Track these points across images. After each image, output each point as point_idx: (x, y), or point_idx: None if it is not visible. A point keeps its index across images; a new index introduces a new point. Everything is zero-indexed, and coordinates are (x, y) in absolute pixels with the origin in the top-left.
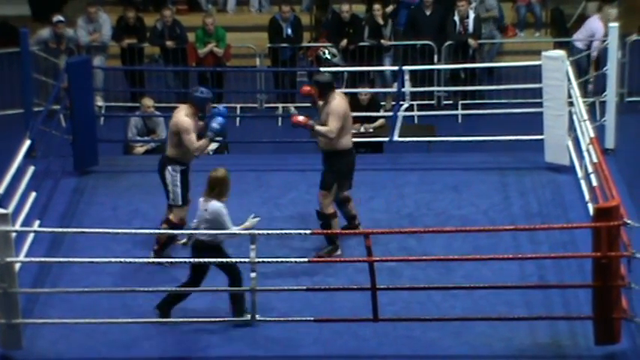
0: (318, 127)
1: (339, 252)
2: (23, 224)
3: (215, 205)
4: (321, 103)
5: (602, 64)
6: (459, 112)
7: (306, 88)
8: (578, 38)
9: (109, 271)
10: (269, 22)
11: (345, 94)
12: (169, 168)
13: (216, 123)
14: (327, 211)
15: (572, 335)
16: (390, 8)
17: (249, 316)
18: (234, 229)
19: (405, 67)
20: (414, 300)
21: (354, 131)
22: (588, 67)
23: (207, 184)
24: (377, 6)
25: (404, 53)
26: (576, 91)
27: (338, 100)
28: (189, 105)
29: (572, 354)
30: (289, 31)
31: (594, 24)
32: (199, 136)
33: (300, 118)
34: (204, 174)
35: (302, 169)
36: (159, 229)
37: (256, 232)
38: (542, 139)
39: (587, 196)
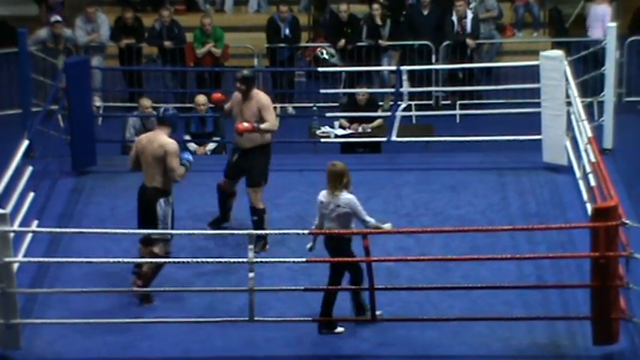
0: (263, 126)
1: (267, 247)
2: (21, 224)
3: (348, 196)
4: (230, 103)
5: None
6: (457, 112)
7: (218, 95)
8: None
9: (108, 271)
10: (267, 22)
11: (344, 94)
12: (161, 202)
13: (187, 154)
14: (261, 206)
15: (570, 335)
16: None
17: (368, 314)
18: (371, 220)
19: (403, 67)
20: (412, 300)
21: (352, 131)
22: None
23: (330, 179)
24: (376, 6)
25: (402, 53)
26: (574, 91)
27: (263, 94)
28: (165, 126)
29: (570, 354)
30: (287, 31)
31: (601, 9)
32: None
33: (245, 124)
34: (201, 174)
35: (300, 169)
36: (137, 272)
37: (254, 232)
38: (540, 139)
39: (585, 196)
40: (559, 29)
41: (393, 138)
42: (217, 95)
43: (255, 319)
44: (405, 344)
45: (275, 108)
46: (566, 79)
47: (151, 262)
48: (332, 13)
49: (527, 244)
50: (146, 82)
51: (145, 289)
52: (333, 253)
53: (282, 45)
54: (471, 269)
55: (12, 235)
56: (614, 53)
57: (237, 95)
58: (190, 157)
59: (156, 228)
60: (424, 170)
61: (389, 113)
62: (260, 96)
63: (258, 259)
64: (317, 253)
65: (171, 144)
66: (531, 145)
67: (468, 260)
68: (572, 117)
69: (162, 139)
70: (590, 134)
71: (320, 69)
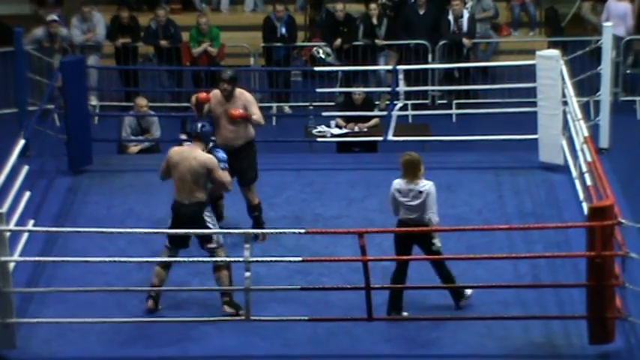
0: (255, 117)
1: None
2: (17, 224)
3: (429, 183)
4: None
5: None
6: (453, 111)
7: (204, 95)
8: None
9: (104, 270)
10: (263, 22)
11: (340, 93)
12: (207, 214)
13: (221, 153)
14: (257, 200)
15: (566, 334)
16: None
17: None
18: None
19: (399, 67)
20: (409, 299)
21: (348, 130)
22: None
23: (407, 168)
24: (373, 5)
25: (399, 53)
26: (570, 91)
27: (246, 91)
28: (200, 142)
29: (566, 353)
30: (283, 30)
31: (622, 6)
32: None
33: (239, 110)
34: None
35: (296, 169)
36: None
37: (250, 231)
38: (536, 139)
39: (581, 196)
40: (555, 29)
41: (389, 137)
42: (203, 95)
43: (252, 318)
44: (402, 343)
45: (271, 107)
46: (563, 79)
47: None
48: (328, 12)
49: (523, 244)
50: (142, 81)
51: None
52: (404, 237)
53: (278, 44)
54: (467, 268)
55: (8, 234)
56: (610, 53)
57: (216, 95)
58: (224, 155)
59: (211, 240)
60: None
61: (385, 112)
62: (245, 94)
63: (255, 259)
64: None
65: (210, 159)
66: (527, 145)
67: (464, 259)
68: (569, 116)
69: (200, 156)
70: (586, 134)
71: (316, 68)
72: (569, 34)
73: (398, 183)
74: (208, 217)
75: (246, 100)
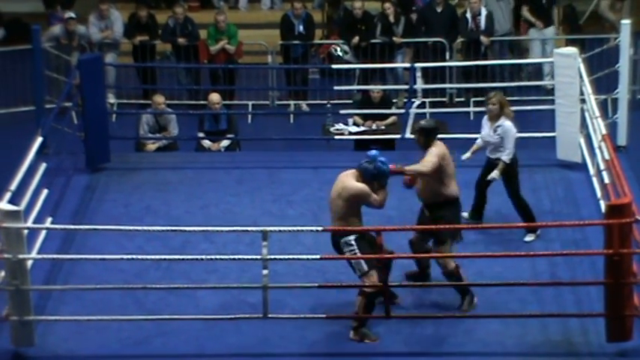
0: (412, 167)
1: (475, 299)
2: (35, 221)
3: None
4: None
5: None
6: (471, 109)
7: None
8: None
9: (121, 267)
10: (281, 19)
11: (358, 91)
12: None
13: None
14: (452, 266)
15: (584, 332)
16: None
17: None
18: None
19: (416, 65)
20: (426, 297)
21: (365, 128)
22: None
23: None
24: (387, 4)
25: (416, 50)
26: (588, 88)
27: (438, 144)
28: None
29: (584, 351)
30: (301, 28)
31: None
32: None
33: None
34: (215, 171)
35: (314, 167)
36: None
37: (268, 228)
38: (554, 136)
39: (599, 194)
40: (573, 26)
41: (407, 135)
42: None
43: (269, 316)
44: (419, 341)
45: (289, 105)
46: (580, 76)
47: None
48: (346, 10)
49: (541, 241)
50: (160, 79)
51: (358, 334)
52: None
53: (295, 42)
54: (485, 266)
55: (26, 232)
56: (628, 50)
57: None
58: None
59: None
60: None
61: (403, 110)
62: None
63: (273, 256)
64: (331, 250)
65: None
66: (545, 142)
67: (482, 257)
68: (586, 114)
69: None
70: (604, 131)
71: (334, 66)
72: (586, 31)
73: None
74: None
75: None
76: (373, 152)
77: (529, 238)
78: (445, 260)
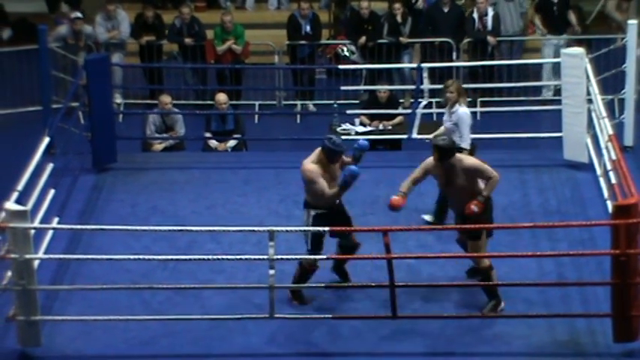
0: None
1: (502, 305)
2: (42, 221)
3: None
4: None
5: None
6: (478, 109)
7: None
8: None
9: (128, 267)
10: (287, 19)
11: (364, 91)
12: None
13: (348, 172)
14: (485, 264)
15: (590, 333)
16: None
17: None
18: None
19: (423, 65)
20: (433, 297)
21: (372, 128)
22: None
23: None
24: (397, 5)
25: (422, 50)
26: (595, 89)
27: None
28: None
29: (590, 351)
30: (308, 28)
31: None
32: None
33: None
34: (222, 171)
35: None
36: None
37: (275, 228)
38: (561, 137)
39: (605, 194)
40: (580, 26)
41: (414, 135)
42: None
43: (276, 316)
44: (425, 341)
45: (295, 105)
46: (587, 77)
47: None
48: (353, 10)
49: (547, 242)
50: (166, 79)
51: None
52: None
53: (302, 42)
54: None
55: (33, 232)
56: (635, 50)
57: None
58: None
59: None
60: None
61: (409, 110)
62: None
63: (279, 256)
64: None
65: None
66: (552, 143)
67: (488, 257)
68: (593, 114)
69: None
70: (610, 132)
71: (341, 66)
72: (593, 31)
73: None
74: None
75: (467, 165)
76: (361, 141)
77: (428, 217)
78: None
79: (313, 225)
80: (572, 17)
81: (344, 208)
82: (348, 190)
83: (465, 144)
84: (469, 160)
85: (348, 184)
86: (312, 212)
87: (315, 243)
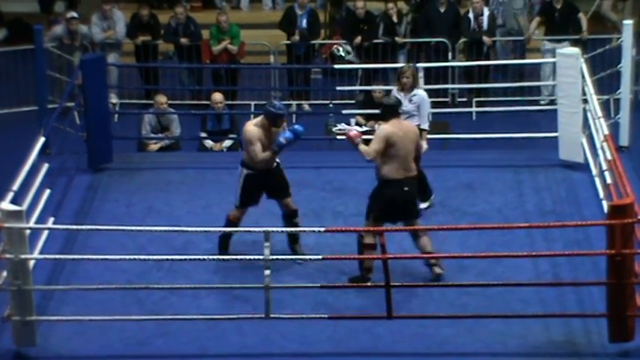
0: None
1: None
2: (37, 221)
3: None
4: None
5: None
6: (473, 109)
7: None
8: None
9: (123, 268)
10: (284, 12)
11: (360, 91)
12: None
13: (282, 136)
14: (367, 240)
15: (586, 333)
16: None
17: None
18: None
19: (419, 65)
20: (428, 297)
21: (368, 128)
22: None
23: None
24: (391, 5)
25: (418, 50)
26: (590, 89)
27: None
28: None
29: (586, 351)
30: (304, 22)
31: None
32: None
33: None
34: (217, 171)
35: (316, 167)
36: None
37: (270, 229)
38: (556, 137)
39: (601, 194)
40: (575, 26)
41: None
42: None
43: (271, 316)
44: (421, 341)
45: (291, 105)
46: (583, 77)
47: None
48: (348, 10)
49: (543, 242)
50: (162, 79)
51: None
52: None
53: (297, 39)
54: (487, 266)
55: (28, 232)
56: (631, 50)
57: None
58: (282, 140)
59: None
60: (440, 167)
61: None
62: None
63: (275, 257)
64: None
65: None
66: (547, 143)
67: (484, 257)
68: (589, 114)
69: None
70: (606, 132)
71: (336, 66)
72: (589, 31)
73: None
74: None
75: None
76: (296, 127)
77: (424, 205)
78: (365, 233)
79: (244, 184)
80: (584, 22)
81: (282, 173)
82: (280, 153)
83: (425, 125)
84: None
85: (280, 148)
86: (245, 171)
87: (244, 199)
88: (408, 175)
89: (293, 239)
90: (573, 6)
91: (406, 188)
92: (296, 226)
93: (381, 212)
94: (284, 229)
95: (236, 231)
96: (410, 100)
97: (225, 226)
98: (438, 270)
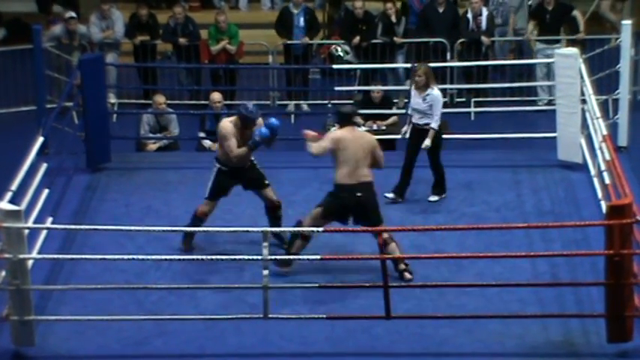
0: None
1: (288, 269)
2: (36, 221)
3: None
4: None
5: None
6: (472, 109)
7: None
8: None
9: (122, 268)
10: (279, 14)
11: (358, 91)
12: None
13: (257, 133)
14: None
15: (584, 333)
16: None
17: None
18: None
19: (417, 65)
20: (427, 297)
21: (366, 128)
22: None
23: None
24: (389, 5)
25: (417, 50)
26: (589, 89)
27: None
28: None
29: (584, 352)
30: (301, 21)
31: None
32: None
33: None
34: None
35: (314, 167)
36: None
37: (269, 229)
38: (555, 137)
39: (599, 194)
40: (574, 27)
41: (408, 135)
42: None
43: (270, 316)
44: (419, 341)
45: (289, 105)
46: (581, 77)
47: None
48: (347, 10)
49: (541, 242)
50: (161, 79)
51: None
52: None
53: (296, 41)
54: (486, 267)
55: (27, 231)
56: (629, 51)
57: None
58: (256, 137)
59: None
60: None
61: (403, 110)
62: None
63: (273, 257)
64: (332, 250)
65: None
66: (546, 143)
67: (482, 258)
68: (587, 115)
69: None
70: (604, 132)
71: (335, 66)
72: (587, 32)
73: None
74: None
75: None
76: (272, 120)
77: (434, 198)
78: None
79: (216, 178)
80: (580, 21)
81: (256, 169)
82: (256, 149)
83: (436, 124)
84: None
85: (255, 145)
86: (217, 166)
87: (213, 192)
88: (361, 181)
89: (281, 236)
90: (566, 6)
91: (359, 194)
92: (278, 219)
93: (330, 210)
94: (285, 228)
95: (234, 231)
96: (423, 99)
97: (193, 221)
98: (408, 276)
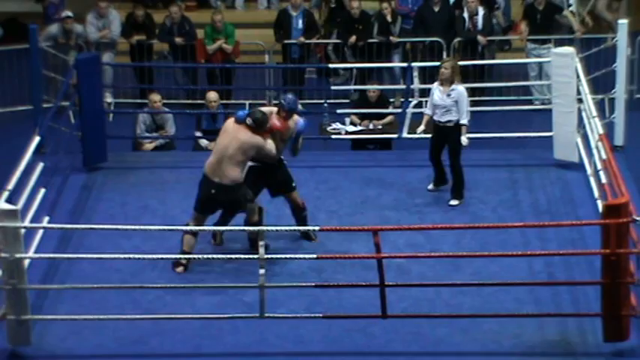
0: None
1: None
2: (32, 220)
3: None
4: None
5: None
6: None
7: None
8: None
9: (118, 267)
10: (276, 16)
11: (354, 90)
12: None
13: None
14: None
15: (580, 332)
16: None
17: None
18: None
19: (413, 64)
20: (423, 297)
21: (363, 128)
22: None
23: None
24: (385, 4)
25: (413, 50)
26: (585, 88)
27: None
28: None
29: (580, 351)
30: (300, 23)
31: None
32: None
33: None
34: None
35: (311, 166)
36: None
37: (264, 228)
38: (551, 136)
39: (596, 193)
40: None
41: (404, 135)
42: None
43: (266, 315)
44: (415, 341)
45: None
46: (578, 76)
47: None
48: (344, 9)
49: (537, 241)
50: (157, 78)
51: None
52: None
53: (293, 40)
54: (482, 266)
55: (23, 231)
56: (626, 50)
57: None
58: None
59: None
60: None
61: (400, 110)
62: None
63: (269, 256)
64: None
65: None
66: (542, 142)
67: (478, 257)
68: (583, 114)
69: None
70: (601, 131)
71: (331, 65)
72: (582, 31)
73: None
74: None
75: None
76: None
77: (454, 202)
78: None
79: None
80: (573, 21)
81: (284, 170)
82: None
83: (465, 120)
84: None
85: (299, 136)
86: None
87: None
88: (219, 182)
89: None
90: (556, 6)
91: (213, 191)
92: (304, 219)
93: (199, 203)
94: (279, 227)
95: (231, 230)
96: (448, 95)
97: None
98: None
